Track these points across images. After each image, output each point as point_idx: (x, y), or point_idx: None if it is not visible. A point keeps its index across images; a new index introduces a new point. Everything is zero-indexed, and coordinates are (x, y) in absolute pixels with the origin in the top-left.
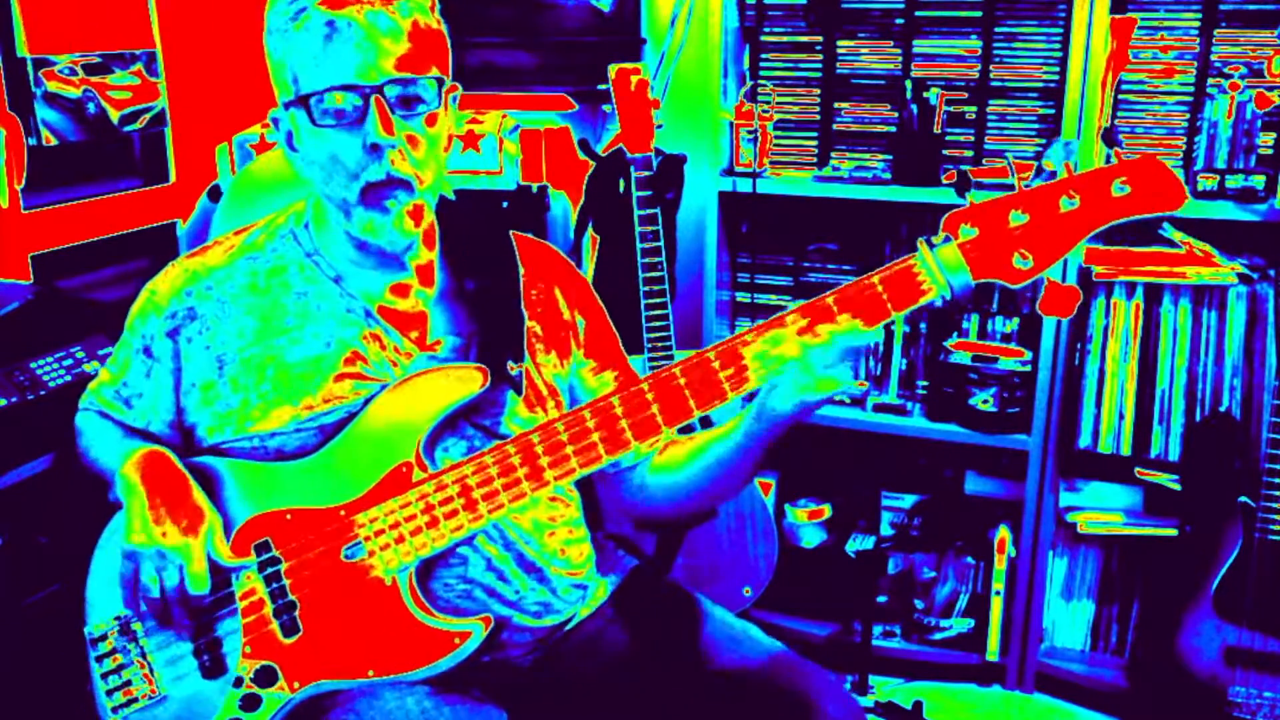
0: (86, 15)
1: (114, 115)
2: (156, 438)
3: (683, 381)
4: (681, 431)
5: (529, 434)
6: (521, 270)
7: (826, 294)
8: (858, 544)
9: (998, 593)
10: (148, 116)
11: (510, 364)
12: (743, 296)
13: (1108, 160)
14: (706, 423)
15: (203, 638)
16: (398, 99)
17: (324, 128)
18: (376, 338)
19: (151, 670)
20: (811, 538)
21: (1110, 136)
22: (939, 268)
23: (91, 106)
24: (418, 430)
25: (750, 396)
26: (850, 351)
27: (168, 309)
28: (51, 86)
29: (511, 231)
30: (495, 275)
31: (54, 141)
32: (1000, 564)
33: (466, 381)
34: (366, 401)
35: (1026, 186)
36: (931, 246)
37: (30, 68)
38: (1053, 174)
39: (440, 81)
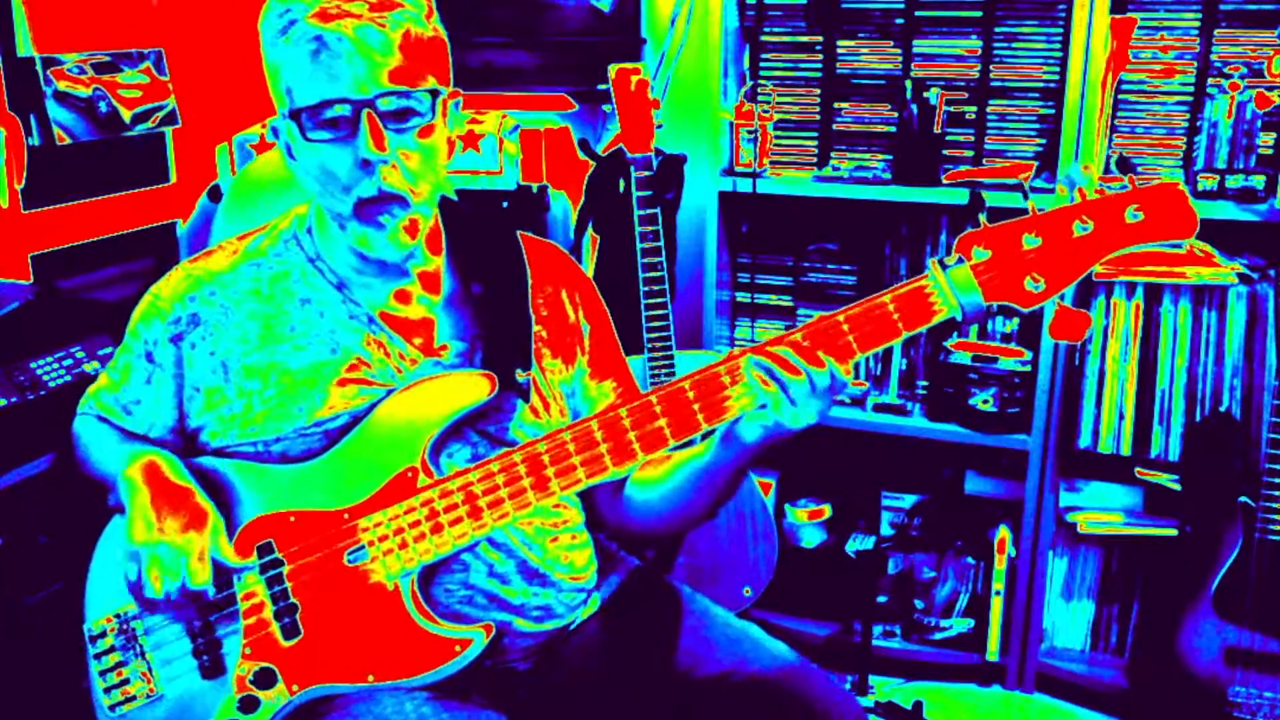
0: (90, 14)
1: (125, 115)
2: (157, 443)
3: (691, 395)
4: (683, 446)
5: (535, 443)
6: (529, 273)
7: (837, 312)
8: (858, 544)
9: (998, 593)
10: (159, 115)
11: (518, 371)
12: (743, 296)
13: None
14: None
15: (202, 638)
16: (390, 112)
17: (316, 142)
18: (380, 344)
19: (150, 669)
20: (811, 538)
21: (1125, 164)
22: (951, 289)
23: (103, 105)
24: (423, 435)
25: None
26: (825, 391)
27: (171, 314)
28: (62, 85)
29: (519, 233)
30: (503, 278)
31: (64, 140)
32: (1000, 564)
33: (474, 388)
34: (372, 406)
35: (1031, 191)
36: (944, 267)
37: (39, 66)
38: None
39: (435, 93)
